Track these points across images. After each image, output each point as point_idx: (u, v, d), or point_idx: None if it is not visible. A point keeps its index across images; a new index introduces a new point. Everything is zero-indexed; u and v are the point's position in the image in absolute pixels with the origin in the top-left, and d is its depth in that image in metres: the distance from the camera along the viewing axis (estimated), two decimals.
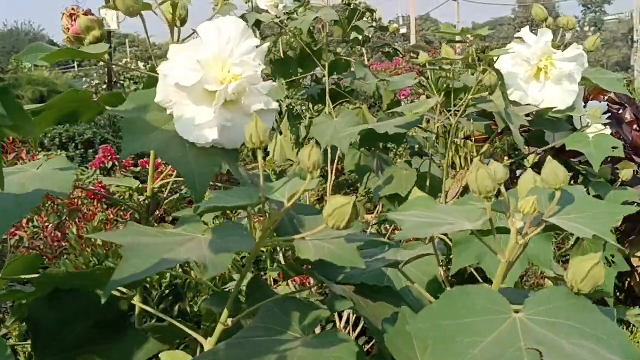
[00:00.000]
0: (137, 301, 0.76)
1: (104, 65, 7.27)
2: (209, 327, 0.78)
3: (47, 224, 1.99)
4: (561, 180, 0.51)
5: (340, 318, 1.50)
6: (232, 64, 0.60)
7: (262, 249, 2.40)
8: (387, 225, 1.52)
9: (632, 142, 1.55)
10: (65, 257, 2.15)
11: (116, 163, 3.41)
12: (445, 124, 1.14)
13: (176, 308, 1.57)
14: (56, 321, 0.68)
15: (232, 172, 0.65)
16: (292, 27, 1.85)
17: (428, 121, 1.32)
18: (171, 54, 0.61)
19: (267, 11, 1.90)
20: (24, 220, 1.90)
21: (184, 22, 0.74)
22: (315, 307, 0.59)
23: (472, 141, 1.43)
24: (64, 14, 0.73)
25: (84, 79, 7.33)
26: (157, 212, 0.79)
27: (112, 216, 2.60)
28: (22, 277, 0.75)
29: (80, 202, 2.19)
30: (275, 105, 0.63)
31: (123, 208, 3.02)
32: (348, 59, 2.20)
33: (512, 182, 1.29)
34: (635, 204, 1.01)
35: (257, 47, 0.62)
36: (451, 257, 0.79)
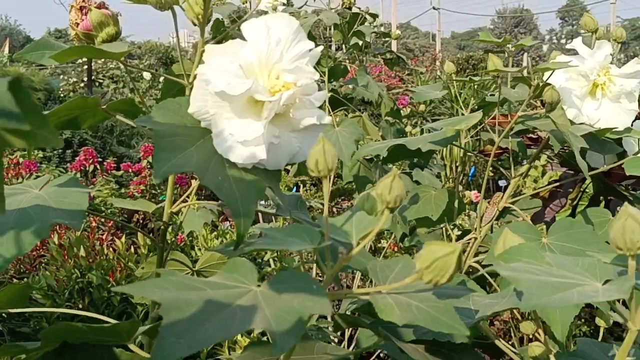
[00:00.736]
0: None
1: (82, 63, 7.03)
2: None
3: None
4: None
5: None
6: (283, 70, 0.50)
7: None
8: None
9: None
10: (44, 267, 2.02)
11: (97, 166, 3.27)
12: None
13: None
14: None
15: (273, 198, 0.55)
16: None
17: None
18: (207, 57, 0.51)
19: (266, 12, 1.84)
20: None
21: (208, 21, 0.65)
22: None
23: (484, 155, 1.35)
24: (72, 6, 0.62)
25: (61, 76, 7.06)
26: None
27: (94, 223, 2.46)
28: (10, 310, 0.64)
29: None
30: (328, 119, 0.53)
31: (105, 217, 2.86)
32: (347, 64, 2.14)
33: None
34: None
35: (310, 50, 0.52)
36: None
